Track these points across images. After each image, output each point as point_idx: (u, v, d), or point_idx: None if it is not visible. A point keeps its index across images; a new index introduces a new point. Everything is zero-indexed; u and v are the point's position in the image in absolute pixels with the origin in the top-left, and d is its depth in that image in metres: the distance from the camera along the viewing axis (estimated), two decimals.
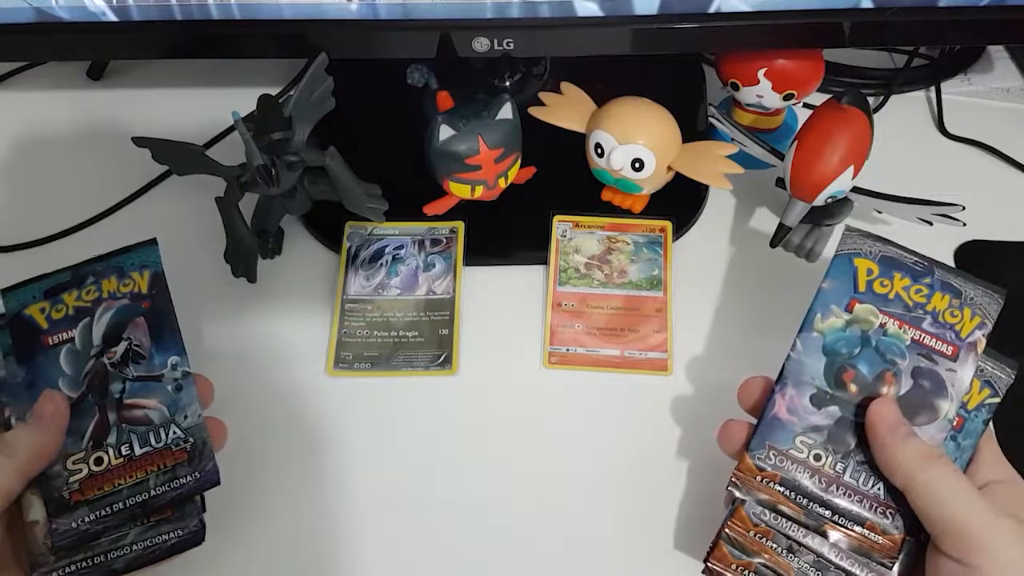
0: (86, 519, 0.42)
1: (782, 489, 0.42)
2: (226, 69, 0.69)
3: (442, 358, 0.54)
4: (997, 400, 0.42)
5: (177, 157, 0.51)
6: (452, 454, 0.51)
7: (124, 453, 0.43)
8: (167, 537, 0.44)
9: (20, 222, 0.60)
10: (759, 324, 0.55)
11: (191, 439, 0.44)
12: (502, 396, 0.53)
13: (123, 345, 0.45)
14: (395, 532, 0.48)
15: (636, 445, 0.51)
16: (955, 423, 0.42)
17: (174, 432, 0.44)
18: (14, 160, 0.65)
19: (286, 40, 0.53)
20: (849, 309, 0.44)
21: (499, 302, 0.56)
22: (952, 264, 0.58)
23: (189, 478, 0.44)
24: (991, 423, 0.42)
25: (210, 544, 0.46)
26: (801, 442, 0.42)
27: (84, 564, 0.42)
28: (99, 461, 0.43)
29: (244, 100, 0.52)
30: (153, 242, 0.47)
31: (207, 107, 0.65)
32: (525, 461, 0.51)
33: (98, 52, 0.61)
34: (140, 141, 0.49)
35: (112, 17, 0.51)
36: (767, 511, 0.42)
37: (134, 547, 0.43)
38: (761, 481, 0.42)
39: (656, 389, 0.53)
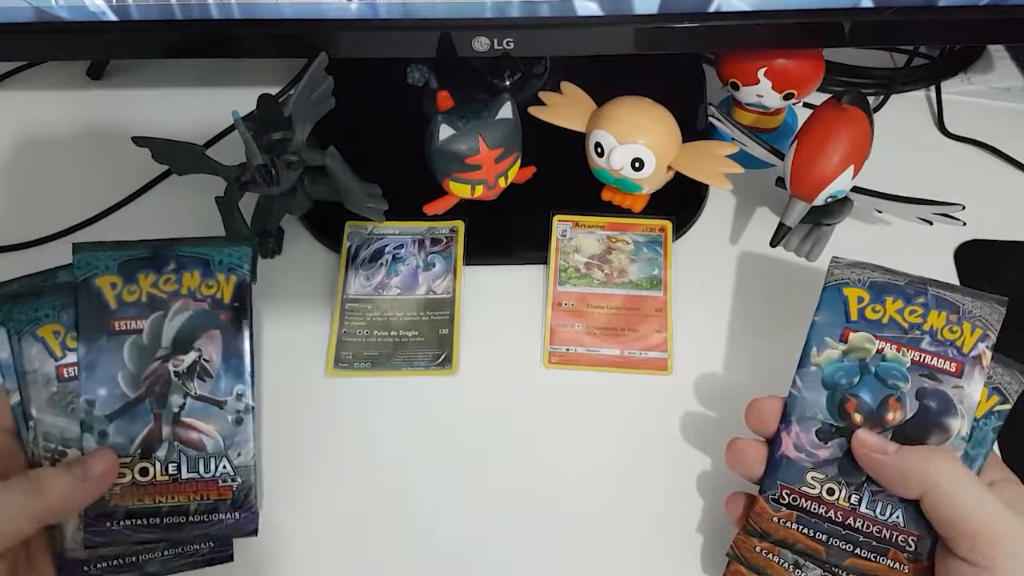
0: (122, 523, 0.42)
1: (800, 527, 0.42)
2: (226, 69, 0.69)
3: (442, 358, 0.54)
4: (1008, 407, 0.41)
5: (177, 157, 0.51)
6: (452, 454, 0.51)
7: (171, 472, 0.42)
8: (199, 547, 0.43)
9: (20, 222, 0.60)
10: (759, 324, 0.55)
11: (239, 479, 0.43)
12: (502, 396, 0.53)
13: (192, 356, 0.43)
14: (395, 532, 0.48)
15: (636, 445, 0.51)
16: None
17: (224, 467, 0.43)
18: (14, 160, 0.65)
19: (286, 40, 0.53)
20: (844, 339, 0.43)
21: (499, 302, 0.56)
22: (952, 264, 0.58)
23: (228, 517, 0.43)
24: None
25: None
26: (813, 478, 0.42)
27: (115, 563, 0.42)
28: (144, 472, 0.42)
29: (244, 100, 0.52)
30: (249, 242, 0.45)
31: (207, 107, 0.65)
32: (525, 461, 0.51)
33: (98, 52, 0.61)
34: (140, 141, 0.49)
35: (112, 17, 0.51)
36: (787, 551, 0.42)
37: (166, 553, 0.43)
38: (778, 521, 0.42)
39: (656, 389, 0.53)
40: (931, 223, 0.54)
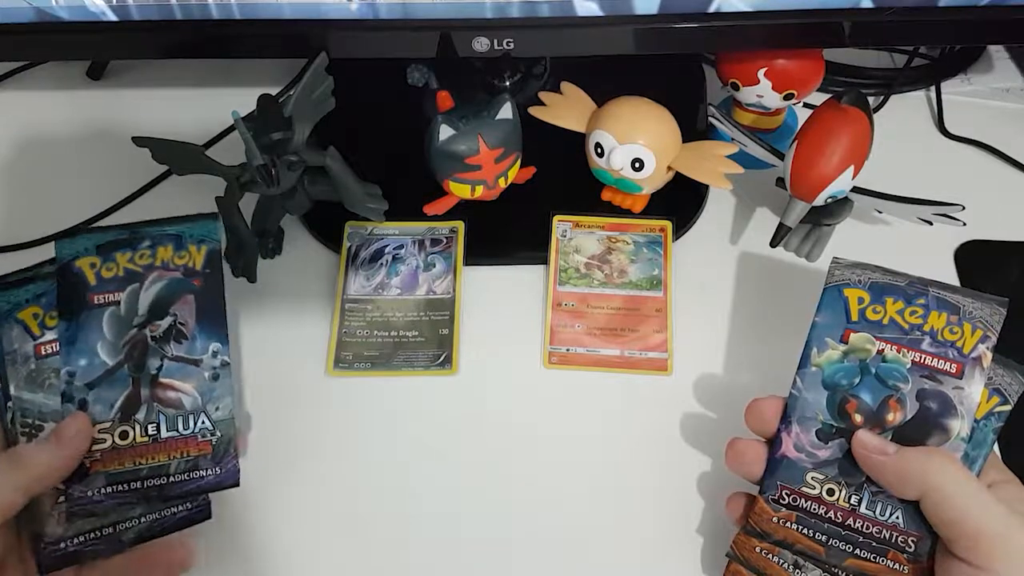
0: (102, 490, 0.42)
1: (799, 528, 0.42)
2: (226, 69, 0.69)
3: (442, 358, 0.54)
4: (1008, 408, 0.41)
5: (177, 157, 0.51)
6: (452, 454, 0.51)
7: (150, 433, 0.43)
8: (176, 510, 0.44)
9: (20, 222, 0.60)
10: (759, 324, 0.55)
11: (218, 433, 0.44)
12: (502, 396, 0.53)
13: (167, 320, 0.45)
14: (395, 532, 0.48)
15: (636, 445, 0.51)
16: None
17: (203, 422, 0.44)
18: (14, 160, 0.65)
19: (286, 40, 0.53)
20: (844, 340, 0.43)
21: (499, 302, 0.56)
22: (952, 264, 0.58)
23: (209, 473, 0.44)
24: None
25: (207, 543, 0.46)
26: (812, 478, 0.42)
27: (93, 536, 0.42)
28: (124, 435, 0.43)
29: (244, 100, 0.52)
30: (215, 216, 0.47)
31: (207, 107, 0.65)
32: (525, 461, 0.51)
33: (98, 52, 0.61)
34: (140, 141, 0.49)
35: (112, 17, 0.51)
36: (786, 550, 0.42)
37: (142, 519, 0.43)
38: (777, 522, 0.42)
39: (656, 389, 0.53)
40: (931, 223, 0.54)
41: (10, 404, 0.43)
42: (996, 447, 0.42)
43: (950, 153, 0.65)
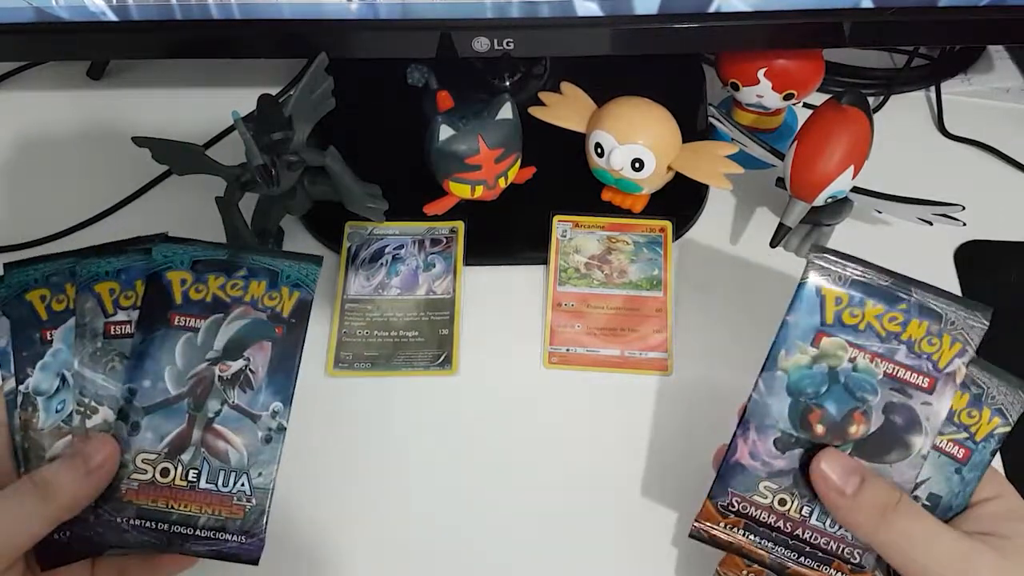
0: (131, 521, 0.41)
1: (745, 534, 0.41)
2: (226, 69, 0.69)
3: (442, 358, 0.54)
4: (1008, 429, 0.40)
5: (177, 157, 0.51)
6: (452, 454, 0.51)
7: (190, 479, 0.42)
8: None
9: (20, 222, 0.60)
10: (759, 324, 0.55)
11: (254, 500, 0.42)
12: (502, 396, 0.53)
13: (239, 364, 0.42)
14: (394, 532, 0.48)
15: (636, 445, 0.51)
16: (961, 456, 0.40)
17: (243, 484, 0.42)
18: (14, 160, 0.65)
19: (286, 40, 0.53)
20: (815, 344, 0.40)
21: (499, 302, 0.56)
22: (952, 264, 0.58)
23: (233, 540, 0.42)
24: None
25: None
26: (765, 487, 0.40)
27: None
28: (165, 472, 0.41)
29: (244, 100, 0.52)
30: (319, 261, 0.44)
31: (207, 107, 0.65)
32: (525, 461, 0.51)
33: (98, 52, 0.62)
34: (140, 141, 0.49)
35: (112, 17, 0.51)
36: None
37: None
38: (724, 527, 0.41)
39: (656, 389, 0.53)
40: (931, 223, 0.54)
41: (21, 388, 0.42)
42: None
43: (950, 153, 0.65)
